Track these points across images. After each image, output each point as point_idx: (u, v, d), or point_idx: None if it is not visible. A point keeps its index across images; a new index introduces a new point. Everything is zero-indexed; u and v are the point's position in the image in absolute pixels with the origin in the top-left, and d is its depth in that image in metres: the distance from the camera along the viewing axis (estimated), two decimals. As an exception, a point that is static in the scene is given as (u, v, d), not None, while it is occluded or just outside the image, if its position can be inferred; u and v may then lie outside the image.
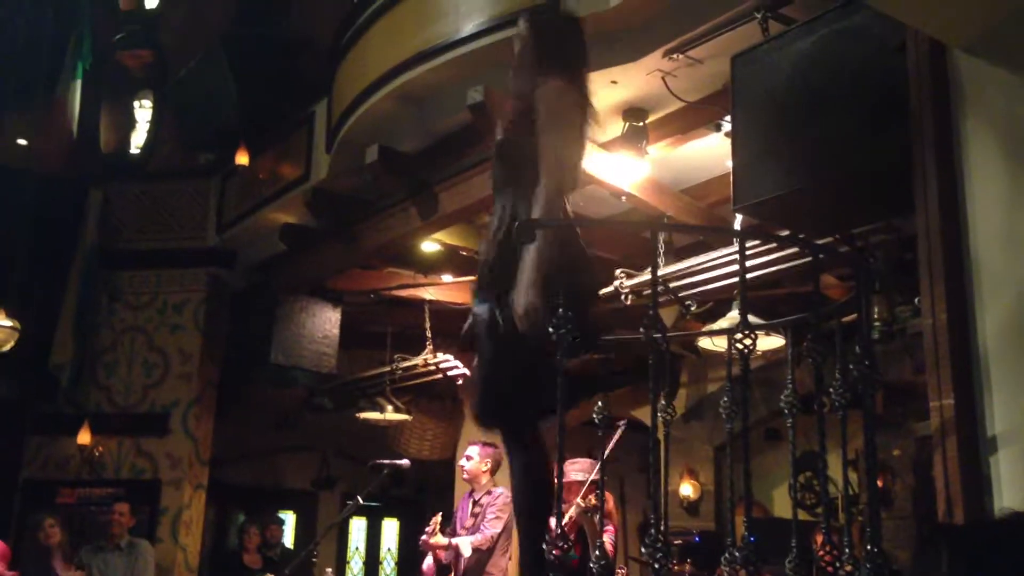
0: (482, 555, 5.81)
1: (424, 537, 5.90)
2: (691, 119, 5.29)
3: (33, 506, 7.85)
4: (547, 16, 3.67)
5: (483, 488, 6.02)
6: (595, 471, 5.49)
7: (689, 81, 5.00)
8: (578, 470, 5.61)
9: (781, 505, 9.00)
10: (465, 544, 5.77)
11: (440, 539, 5.83)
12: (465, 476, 6.09)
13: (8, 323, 7.32)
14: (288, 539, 9.78)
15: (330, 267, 7.61)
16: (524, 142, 3.07)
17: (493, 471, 6.07)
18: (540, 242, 2.82)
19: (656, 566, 2.45)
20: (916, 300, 4.39)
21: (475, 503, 6.02)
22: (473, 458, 6.04)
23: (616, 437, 5.37)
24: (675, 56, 4.80)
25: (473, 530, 5.88)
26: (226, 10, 8.42)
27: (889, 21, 3.51)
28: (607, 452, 5.37)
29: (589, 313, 2.98)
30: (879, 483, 5.88)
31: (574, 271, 2.95)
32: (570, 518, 5.32)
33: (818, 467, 2.85)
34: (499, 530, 5.85)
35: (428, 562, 6.09)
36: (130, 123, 8.61)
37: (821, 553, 2.78)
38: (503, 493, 5.93)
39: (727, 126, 4.88)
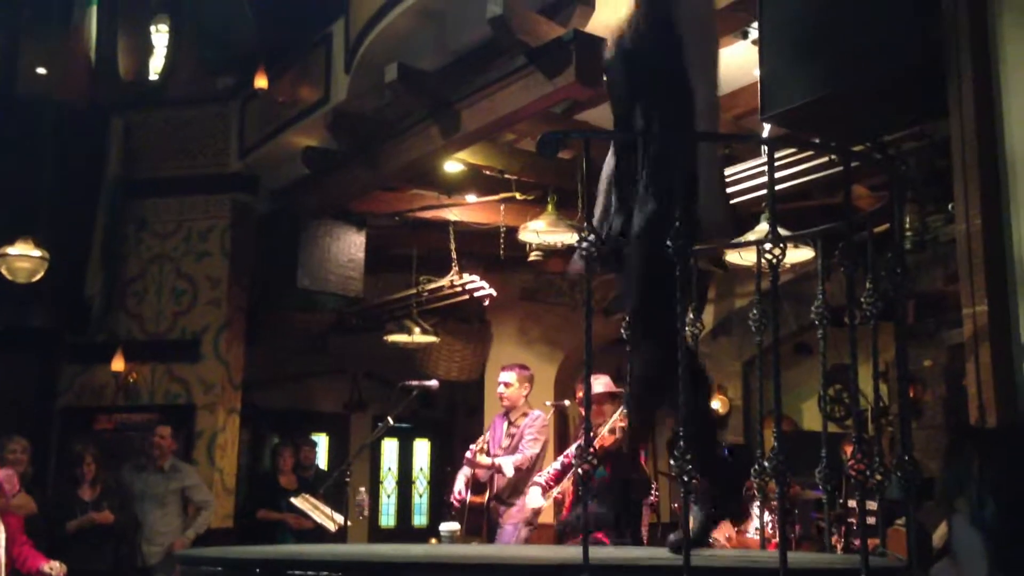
0: (519, 476, 5.87)
1: (469, 454, 5.96)
2: (717, 27, 5.13)
3: (71, 433, 8.01)
4: None
5: (519, 410, 6.06)
6: (612, 387, 5.50)
7: (715, -13, 4.84)
8: (601, 383, 5.61)
9: (810, 418, 9.02)
10: (507, 463, 5.83)
11: (484, 458, 5.90)
12: (506, 403, 6.11)
13: (37, 253, 7.38)
14: (322, 460, 9.94)
15: (353, 190, 7.57)
16: (655, 52, 2.96)
17: (528, 394, 6.10)
18: (709, 156, 2.78)
19: (685, 480, 2.44)
20: (949, 206, 4.30)
21: (511, 423, 6.05)
22: (512, 384, 6.06)
23: None
24: (700, -39, 4.64)
25: (510, 451, 5.93)
26: (239, -71, 8.25)
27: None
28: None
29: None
30: (910, 393, 5.85)
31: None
32: (602, 437, 5.33)
33: (849, 379, 2.81)
34: (538, 451, 5.91)
35: (460, 484, 6.16)
36: (147, 48, 8.53)
37: (851, 463, 2.77)
38: (540, 416, 5.99)
39: (754, 33, 4.74)
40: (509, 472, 5.82)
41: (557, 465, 5.73)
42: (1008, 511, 1.85)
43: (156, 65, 8.60)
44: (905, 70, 3.54)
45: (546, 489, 5.63)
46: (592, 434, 5.18)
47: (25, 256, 7.35)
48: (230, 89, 8.33)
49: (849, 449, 5.93)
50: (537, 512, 5.69)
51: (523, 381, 6.08)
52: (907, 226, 5.11)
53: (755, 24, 4.52)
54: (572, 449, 5.72)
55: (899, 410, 2.84)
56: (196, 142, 8.47)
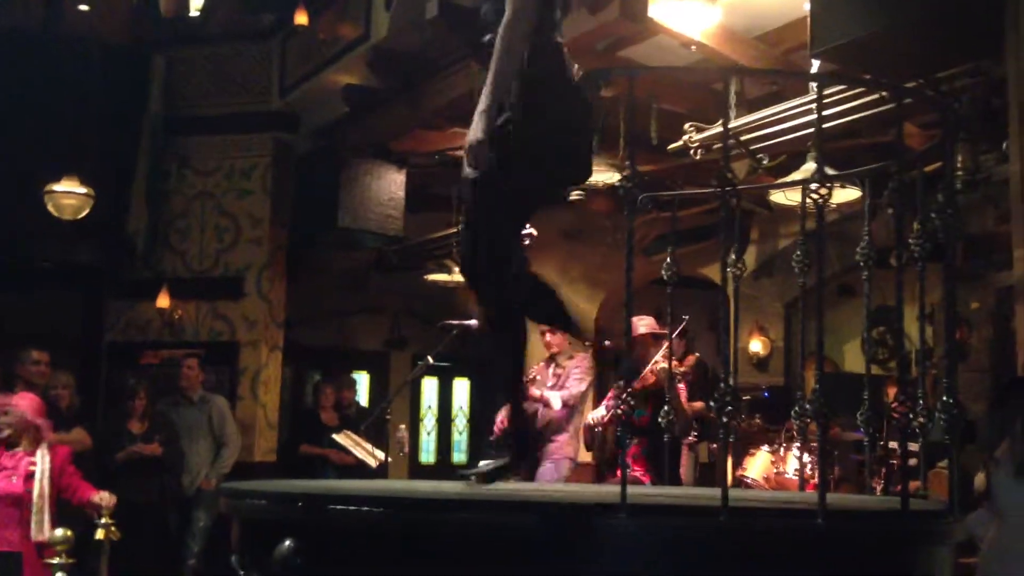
0: (562, 414, 5.98)
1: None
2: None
3: (118, 368, 8.16)
4: None
5: (564, 353, 6.19)
6: (656, 327, 5.53)
7: (763, -82, 4.71)
8: (645, 324, 5.61)
9: (852, 360, 8.96)
10: (555, 397, 5.97)
11: (534, 390, 6.00)
12: (553, 349, 6.22)
13: (83, 190, 7.46)
14: (362, 398, 10.07)
15: (393, 128, 7.54)
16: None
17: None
18: (494, 69, 2.67)
19: (725, 421, 2.43)
20: (1003, 146, 4.18)
21: (556, 365, 6.17)
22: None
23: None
24: None
25: (556, 390, 6.03)
26: None
27: None
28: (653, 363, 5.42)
29: (580, 147, 2.82)
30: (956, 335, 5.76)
31: (559, 101, 2.80)
32: (644, 377, 5.35)
33: (893, 321, 2.77)
34: (584, 389, 6.03)
35: (501, 417, 6.27)
36: (188, -15, 8.50)
37: (895, 404, 2.74)
38: (586, 357, 6.12)
39: (804, -35, 4.60)
40: (556, 405, 5.95)
41: (603, 410, 5.77)
42: None
43: (196, 2, 8.57)
44: (960, 6, 3.42)
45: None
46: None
47: (71, 193, 7.43)
48: (271, 26, 8.29)
49: (892, 391, 5.89)
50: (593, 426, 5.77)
51: None
52: (959, 165, 4.99)
53: (805, -44, 4.39)
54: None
55: (946, 352, 2.79)
56: (237, 80, 8.47)
